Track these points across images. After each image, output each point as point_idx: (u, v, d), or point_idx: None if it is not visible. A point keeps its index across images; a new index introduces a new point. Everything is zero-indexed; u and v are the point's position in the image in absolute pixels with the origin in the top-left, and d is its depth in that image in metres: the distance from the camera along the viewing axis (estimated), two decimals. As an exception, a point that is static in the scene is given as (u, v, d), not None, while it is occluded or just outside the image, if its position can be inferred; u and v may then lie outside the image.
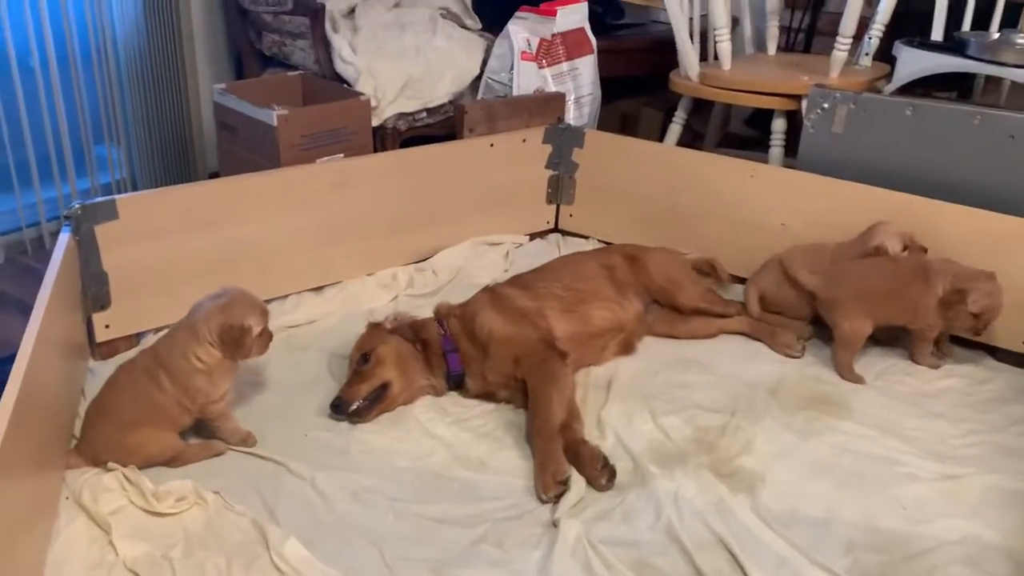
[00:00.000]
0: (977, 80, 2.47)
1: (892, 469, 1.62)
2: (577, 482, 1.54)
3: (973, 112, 2.04)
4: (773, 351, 2.02)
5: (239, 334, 1.55)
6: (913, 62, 2.24)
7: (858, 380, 1.89)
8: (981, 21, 2.52)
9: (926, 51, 2.22)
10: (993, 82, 2.43)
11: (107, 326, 1.87)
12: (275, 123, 2.18)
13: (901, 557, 1.41)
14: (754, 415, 1.75)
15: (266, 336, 1.61)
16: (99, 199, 1.80)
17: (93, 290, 1.82)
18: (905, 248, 1.96)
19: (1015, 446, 1.71)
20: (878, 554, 1.41)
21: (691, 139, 3.25)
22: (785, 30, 3.29)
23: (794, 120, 2.36)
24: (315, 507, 1.48)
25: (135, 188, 2.82)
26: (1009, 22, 2.41)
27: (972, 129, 2.05)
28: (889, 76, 2.43)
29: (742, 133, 3.30)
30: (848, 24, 2.35)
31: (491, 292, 1.92)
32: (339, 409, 1.69)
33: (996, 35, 2.24)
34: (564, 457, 1.57)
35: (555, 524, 1.44)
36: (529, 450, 1.63)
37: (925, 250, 1.96)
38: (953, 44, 2.28)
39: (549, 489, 1.51)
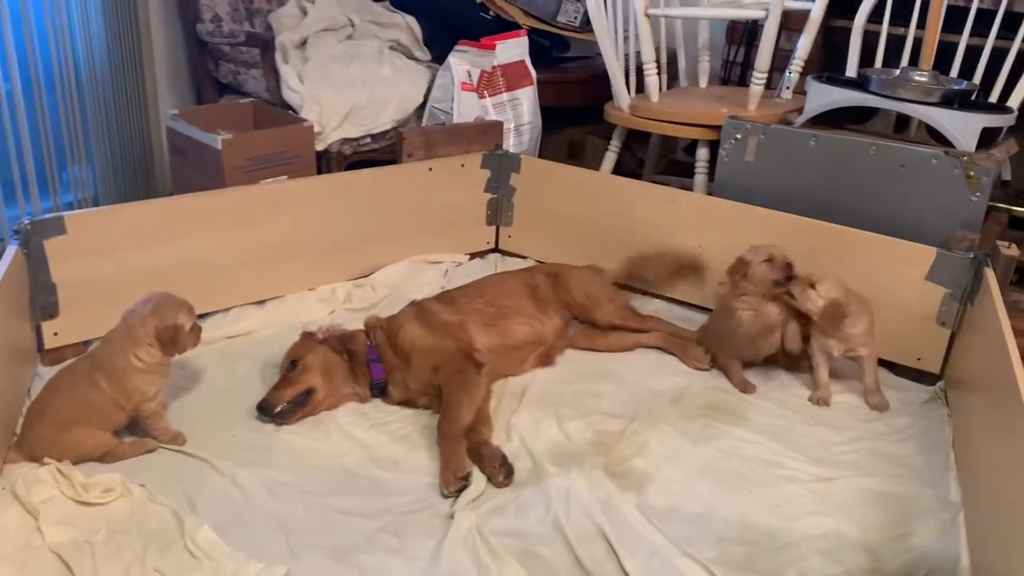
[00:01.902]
0: (890, 114, 2.63)
1: (773, 472, 1.76)
2: (478, 479, 1.66)
3: (869, 143, 2.20)
4: (684, 364, 2.16)
5: (174, 332, 1.69)
6: (820, 96, 2.39)
7: (745, 389, 2.03)
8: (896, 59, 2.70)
9: (832, 86, 2.38)
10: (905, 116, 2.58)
11: (55, 334, 1.99)
12: (219, 147, 2.33)
13: (766, 549, 1.54)
14: (652, 421, 1.89)
15: (196, 330, 1.76)
16: (48, 215, 1.93)
17: (41, 300, 1.94)
18: (770, 259, 2.00)
19: (891, 452, 1.85)
20: (745, 546, 1.54)
21: (636, 166, 3.41)
22: (725, 64, 3.47)
23: (717, 149, 2.51)
24: (233, 500, 1.60)
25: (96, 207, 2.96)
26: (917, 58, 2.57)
27: (868, 159, 2.20)
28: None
29: (684, 160, 3.46)
30: (762, 60, 2.51)
31: (417, 306, 2.06)
32: (264, 410, 1.82)
33: (896, 72, 2.40)
34: (466, 456, 1.70)
35: (452, 517, 1.57)
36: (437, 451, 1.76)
37: (790, 266, 1.99)
38: (857, 80, 2.44)
39: (450, 484, 1.64)
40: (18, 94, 2.69)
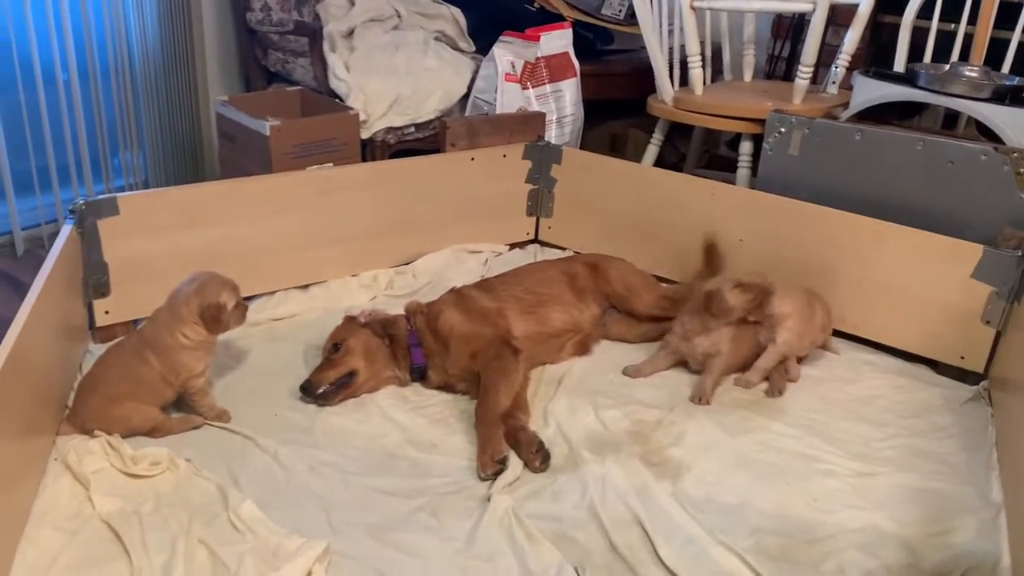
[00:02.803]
0: (938, 110, 2.60)
1: (811, 465, 1.75)
2: (515, 464, 1.68)
3: (916, 139, 2.17)
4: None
5: (216, 311, 1.73)
6: (867, 91, 2.37)
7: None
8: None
9: (879, 80, 2.35)
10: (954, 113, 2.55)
11: (106, 312, 2.05)
12: (268, 133, 2.37)
13: (802, 541, 1.53)
14: (689, 412, 1.89)
15: (241, 309, 1.79)
16: (102, 196, 1.99)
17: (94, 278, 2.00)
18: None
19: (931, 449, 1.83)
20: (781, 537, 1.54)
21: (678, 160, 3.40)
22: (770, 58, 3.45)
23: (761, 143, 2.49)
24: (275, 477, 1.64)
25: (147, 191, 3.03)
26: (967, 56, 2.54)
27: (915, 154, 2.17)
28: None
29: (726, 155, 3.44)
30: (809, 54, 2.49)
31: (456, 293, 2.08)
32: (307, 391, 1.86)
33: (946, 67, 2.36)
34: (504, 441, 1.72)
35: (489, 499, 1.58)
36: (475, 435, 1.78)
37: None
38: (905, 75, 2.41)
39: (487, 467, 1.66)
40: (75, 83, 2.77)
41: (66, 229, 1.90)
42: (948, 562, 1.50)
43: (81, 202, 1.95)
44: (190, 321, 1.72)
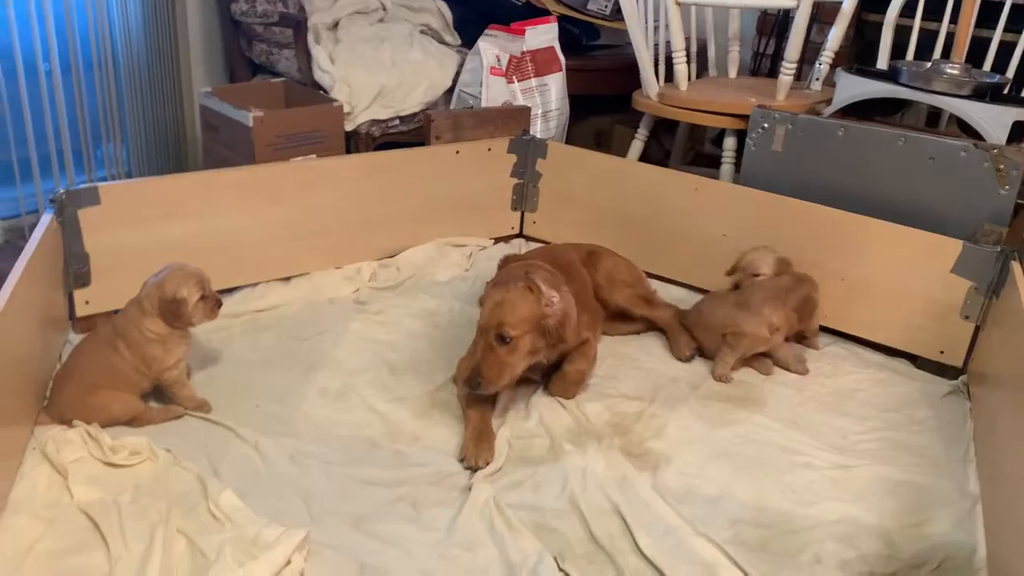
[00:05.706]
0: (921, 107, 2.62)
1: (790, 458, 1.76)
2: (497, 456, 1.68)
3: (898, 135, 2.18)
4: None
5: (176, 306, 1.70)
6: (850, 87, 2.38)
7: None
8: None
9: (862, 77, 2.37)
10: (936, 110, 2.57)
11: (87, 302, 2.03)
12: (251, 124, 2.36)
13: (780, 532, 1.54)
14: (671, 404, 1.90)
15: (210, 301, 1.76)
16: (83, 186, 1.97)
17: (75, 268, 1.99)
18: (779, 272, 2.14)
19: (910, 443, 1.84)
20: (760, 529, 1.55)
21: (663, 156, 3.41)
22: (755, 55, 3.46)
23: (745, 139, 2.50)
24: (255, 467, 1.63)
25: (131, 183, 3.01)
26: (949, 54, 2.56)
27: (897, 150, 2.19)
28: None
29: (711, 153, 3.45)
30: (792, 49, 2.51)
31: None
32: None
33: (928, 65, 2.38)
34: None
35: (470, 489, 1.58)
36: (458, 427, 1.78)
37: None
38: (888, 72, 2.42)
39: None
40: (57, 74, 2.75)
41: (46, 218, 1.89)
42: (924, 553, 1.51)
43: (62, 191, 1.93)
44: (152, 315, 1.71)
